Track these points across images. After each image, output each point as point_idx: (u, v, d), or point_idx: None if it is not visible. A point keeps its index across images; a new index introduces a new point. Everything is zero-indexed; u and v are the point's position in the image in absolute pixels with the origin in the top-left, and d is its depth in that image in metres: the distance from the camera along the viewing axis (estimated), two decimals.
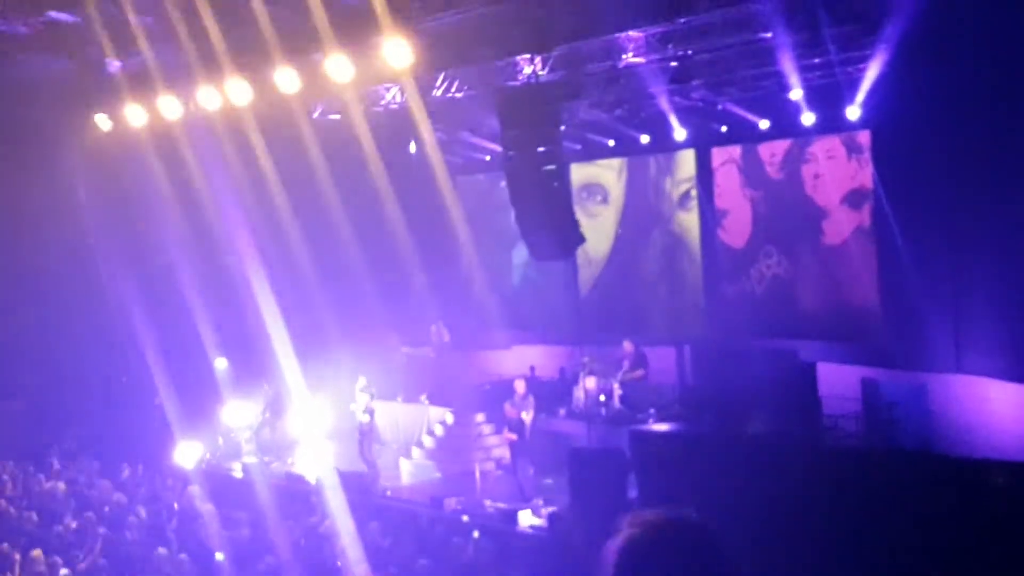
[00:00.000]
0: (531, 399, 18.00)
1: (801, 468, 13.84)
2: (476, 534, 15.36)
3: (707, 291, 21.73)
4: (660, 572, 2.34)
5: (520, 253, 24.03)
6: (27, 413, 22.58)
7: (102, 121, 21.94)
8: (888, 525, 12.48)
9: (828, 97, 18.01)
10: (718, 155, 21.41)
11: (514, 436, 17.47)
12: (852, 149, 19.05)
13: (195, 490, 17.79)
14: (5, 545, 14.11)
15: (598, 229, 23.02)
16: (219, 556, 14.28)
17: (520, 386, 18.41)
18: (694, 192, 21.85)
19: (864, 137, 18.68)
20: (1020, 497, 11.95)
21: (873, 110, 17.58)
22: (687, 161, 21.90)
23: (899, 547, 12.30)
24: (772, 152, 20.44)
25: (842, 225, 19.37)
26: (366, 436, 19.23)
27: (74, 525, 16.17)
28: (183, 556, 13.93)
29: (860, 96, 17.51)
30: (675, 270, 22.45)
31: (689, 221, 22.10)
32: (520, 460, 17.47)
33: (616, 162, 23.29)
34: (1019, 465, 13.35)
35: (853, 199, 19.12)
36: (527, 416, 17.70)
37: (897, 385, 17.27)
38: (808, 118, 18.66)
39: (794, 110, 18.56)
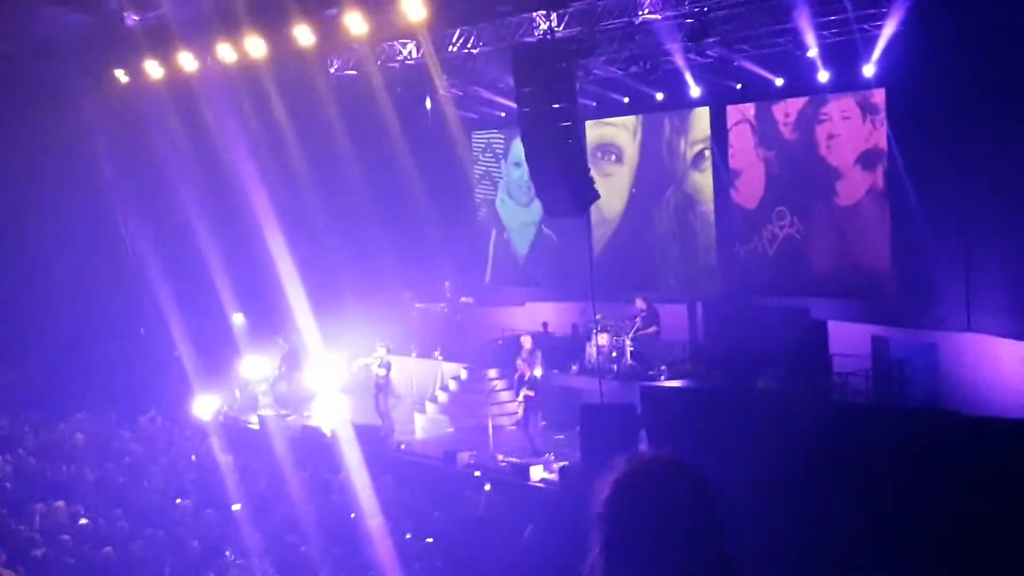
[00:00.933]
0: (538, 354, 18.13)
1: (811, 424, 13.96)
2: (488, 487, 15.59)
3: (720, 251, 21.78)
4: (649, 506, 2.43)
5: (534, 210, 24.09)
6: (48, 367, 22.89)
7: (120, 75, 22.05)
8: (896, 481, 12.62)
9: (844, 55, 17.95)
10: (732, 114, 21.37)
11: (532, 393, 17.60)
12: (867, 110, 19.00)
13: (214, 442, 18.06)
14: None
15: (612, 188, 23.05)
16: (236, 507, 14.52)
17: (527, 342, 18.57)
18: (707, 152, 21.83)
19: (879, 97, 18.61)
20: None
21: (888, 68, 17.51)
22: (701, 121, 21.87)
23: (907, 503, 12.44)
24: (786, 112, 20.40)
25: (856, 186, 19.35)
26: (382, 390, 19.43)
27: (93, 476, 16.47)
28: (209, 511, 14.17)
29: (876, 54, 17.45)
30: (688, 230, 22.49)
31: (703, 181, 22.11)
32: (532, 415, 17.63)
33: (631, 122, 23.27)
34: None
35: (867, 160, 19.10)
36: (538, 372, 17.84)
37: (907, 343, 17.39)
38: (823, 76, 18.60)
39: (809, 67, 18.49)
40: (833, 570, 12.39)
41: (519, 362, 17.96)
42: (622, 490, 2.46)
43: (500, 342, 21.65)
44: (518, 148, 20.95)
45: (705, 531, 2.44)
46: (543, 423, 18.22)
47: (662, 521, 2.41)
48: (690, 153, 22.26)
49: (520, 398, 17.73)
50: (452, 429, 19.79)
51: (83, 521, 13.75)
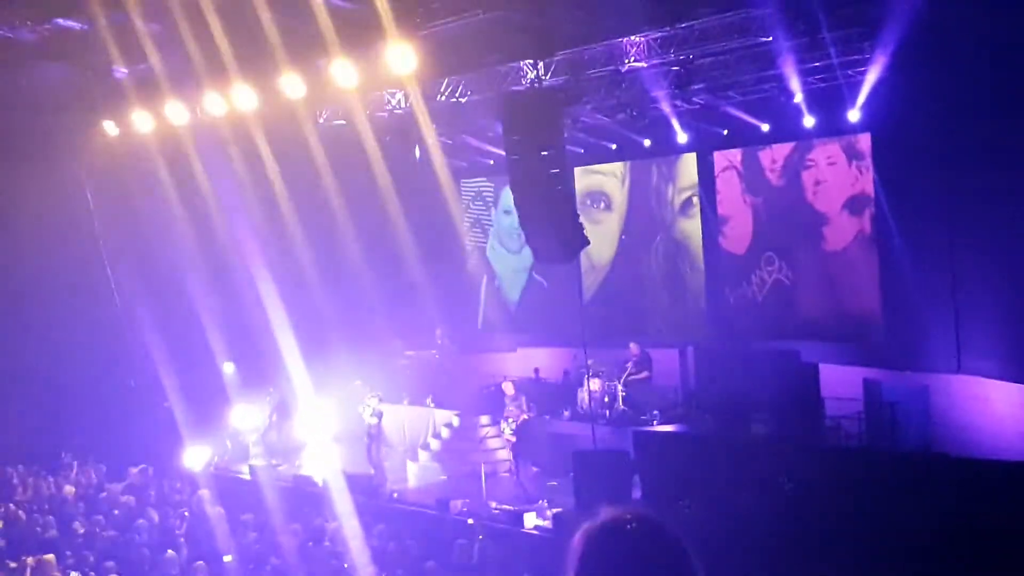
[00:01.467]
0: (523, 399, 18.12)
1: (804, 469, 13.96)
2: (481, 537, 15.49)
3: (709, 297, 21.87)
4: (617, 561, 2.46)
5: (525, 257, 24.16)
6: (37, 417, 22.72)
7: (109, 127, 22.12)
8: (890, 525, 12.60)
9: (829, 100, 18.14)
10: (719, 161, 21.55)
11: (512, 437, 17.58)
12: (852, 155, 19.17)
13: (204, 493, 17.94)
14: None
15: (602, 235, 23.15)
16: (227, 558, 14.41)
17: (509, 388, 18.59)
18: (695, 199, 22.00)
19: (864, 143, 18.79)
20: (1020, 497, 12.07)
21: (873, 113, 17.69)
22: (689, 168, 22.05)
23: (900, 546, 12.41)
24: (773, 159, 20.57)
25: (843, 231, 19.48)
26: (374, 439, 19.38)
27: (83, 529, 16.32)
28: (199, 563, 14.05)
29: (861, 99, 17.63)
30: (677, 276, 22.58)
31: (691, 227, 22.24)
32: (522, 461, 17.59)
33: (619, 169, 23.43)
34: (1019, 465, 13.48)
35: (854, 205, 19.24)
36: (524, 416, 17.84)
37: (899, 386, 17.44)
38: (809, 121, 18.78)
39: (795, 113, 18.67)
40: None
41: (512, 408, 17.90)
42: (592, 547, 2.49)
43: (492, 388, 21.61)
44: (508, 196, 21.04)
45: None
46: (535, 469, 18.17)
47: None
48: (678, 200, 22.40)
49: (502, 438, 17.73)
50: (445, 476, 19.71)
51: (73, 575, 13.63)
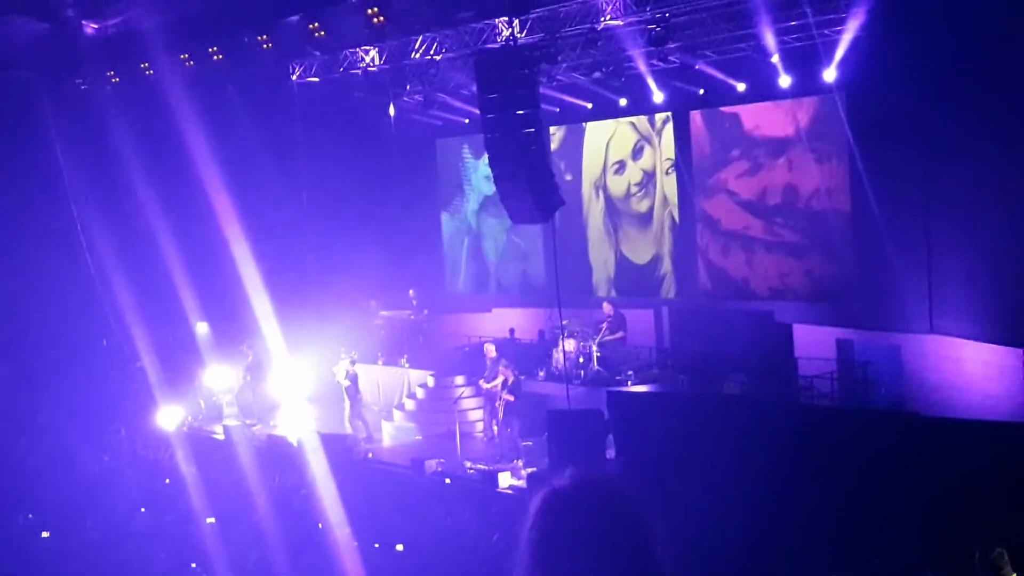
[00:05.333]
0: (503, 361, 18.11)
1: (777, 427, 14.01)
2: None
3: (685, 256, 21.94)
4: (573, 528, 2.42)
5: (503, 217, 24.10)
6: (8, 378, 22.57)
7: (79, 83, 21.86)
8: (862, 482, 12.68)
9: (805, 59, 18.11)
10: (695, 120, 21.53)
11: (512, 398, 17.59)
12: (828, 114, 19.16)
13: (178, 453, 17.90)
14: None
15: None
16: (210, 520, 14.39)
17: (491, 350, 18.57)
18: (672, 159, 22.03)
19: (840, 101, 18.73)
20: (990, 456, 12.18)
21: (849, 72, 17.66)
22: (669, 133, 22.05)
23: (872, 504, 12.52)
24: (750, 118, 20.58)
25: (818, 191, 19.52)
26: (351, 399, 19.42)
27: (58, 490, 16.26)
28: (174, 523, 14.05)
29: (837, 58, 17.60)
30: (656, 235, 22.66)
31: (669, 186, 22.26)
32: (513, 420, 17.57)
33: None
34: (989, 424, 13.59)
35: (829, 164, 19.28)
36: (510, 376, 17.83)
37: (872, 346, 17.53)
38: (785, 80, 18.74)
39: (771, 72, 18.63)
40: (798, 570, 12.43)
41: (501, 368, 17.86)
42: (546, 511, 2.45)
43: (467, 349, 21.62)
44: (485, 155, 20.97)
45: (635, 562, 2.41)
46: (510, 429, 18.19)
47: (587, 552, 2.39)
48: (659, 163, 22.42)
49: (500, 398, 17.69)
50: (420, 437, 19.72)
51: (45, 535, 13.61)
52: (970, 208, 16.02)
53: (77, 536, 13.54)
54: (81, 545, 13.20)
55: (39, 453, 18.62)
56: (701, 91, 20.49)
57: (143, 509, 14.83)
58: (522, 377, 18.21)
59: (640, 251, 23.03)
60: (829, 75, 17.95)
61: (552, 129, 23.32)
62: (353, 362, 19.66)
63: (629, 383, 18.26)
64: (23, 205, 22.49)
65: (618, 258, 23.47)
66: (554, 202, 17.36)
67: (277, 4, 18.64)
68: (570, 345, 18.92)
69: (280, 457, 18.11)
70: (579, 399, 17.51)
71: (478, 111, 18.53)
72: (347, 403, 19.51)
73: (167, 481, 17.21)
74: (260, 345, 20.83)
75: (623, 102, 21.66)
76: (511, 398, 17.59)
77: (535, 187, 16.92)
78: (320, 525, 14.11)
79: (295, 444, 18.46)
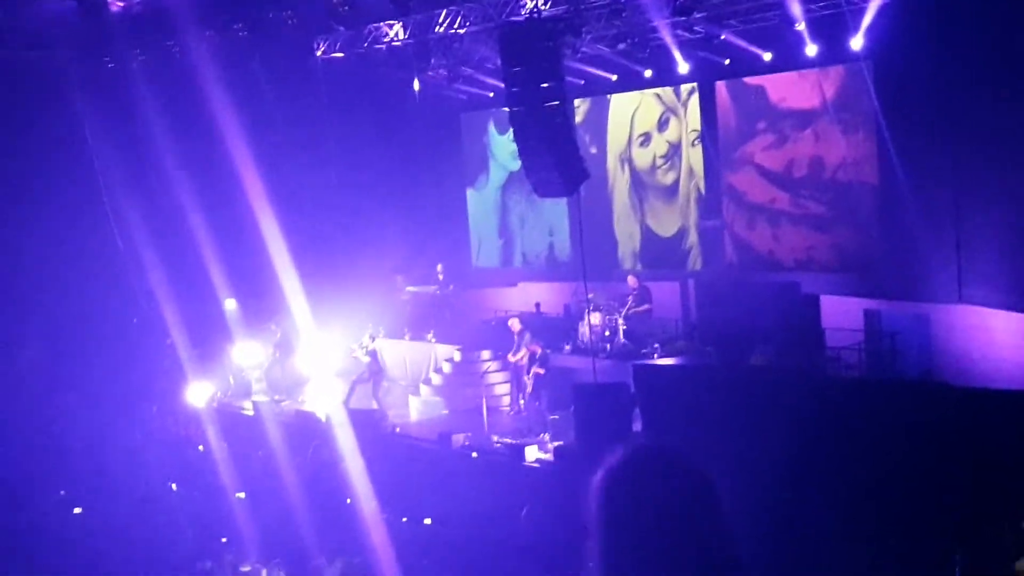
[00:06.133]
0: (528, 335, 18.13)
1: (803, 399, 13.97)
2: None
3: (712, 227, 21.85)
4: (643, 497, 2.36)
5: (524, 190, 24.06)
6: (39, 357, 22.79)
7: (107, 62, 21.90)
8: (890, 454, 12.63)
9: (831, 28, 17.88)
10: (721, 91, 21.37)
11: (542, 371, 17.66)
12: (856, 84, 18.97)
13: (208, 428, 18.05)
14: None
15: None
16: (240, 495, 14.52)
17: (515, 324, 18.60)
18: (698, 131, 21.90)
19: (868, 71, 18.52)
20: (1020, 426, 12.09)
21: (876, 40, 17.44)
22: (695, 105, 21.90)
23: (901, 475, 12.46)
24: (776, 89, 20.41)
25: (845, 160, 19.36)
26: (373, 376, 19.50)
27: (90, 466, 16.47)
28: (204, 497, 14.21)
29: (864, 26, 17.39)
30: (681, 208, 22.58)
31: (695, 158, 22.14)
32: (544, 392, 17.65)
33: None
34: (1020, 395, 13.49)
35: (856, 134, 19.10)
36: (538, 349, 17.89)
37: (899, 316, 17.41)
38: (811, 49, 18.53)
39: (798, 41, 18.42)
40: (827, 543, 12.42)
41: (526, 342, 17.92)
42: (617, 488, 2.39)
43: (493, 323, 21.64)
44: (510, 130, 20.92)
45: (712, 539, 2.37)
46: (537, 403, 18.24)
47: (663, 527, 2.34)
48: (685, 135, 22.30)
49: (530, 375, 17.77)
50: (447, 411, 19.78)
51: (77, 510, 13.79)
52: (999, 176, 15.84)
53: (109, 512, 13.71)
54: (113, 520, 13.35)
55: (71, 431, 18.84)
56: (727, 61, 20.31)
57: (174, 485, 14.98)
58: (548, 350, 18.24)
59: (666, 224, 22.95)
60: (856, 43, 17.72)
61: (577, 102, 23.21)
62: (373, 338, 19.75)
63: (655, 356, 18.23)
64: (52, 185, 22.60)
65: (643, 231, 23.39)
66: (579, 175, 17.32)
67: None
68: (596, 319, 18.92)
69: (309, 432, 18.24)
70: (605, 372, 17.51)
71: (503, 85, 18.47)
72: (368, 379, 19.60)
73: (200, 448, 17.36)
74: (288, 321, 20.94)
75: (648, 73, 21.51)
76: (542, 371, 17.64)
77: (560, 160, 16.89)
78: (348, 500, 14.22)
79: (324, 419, 18.59)
